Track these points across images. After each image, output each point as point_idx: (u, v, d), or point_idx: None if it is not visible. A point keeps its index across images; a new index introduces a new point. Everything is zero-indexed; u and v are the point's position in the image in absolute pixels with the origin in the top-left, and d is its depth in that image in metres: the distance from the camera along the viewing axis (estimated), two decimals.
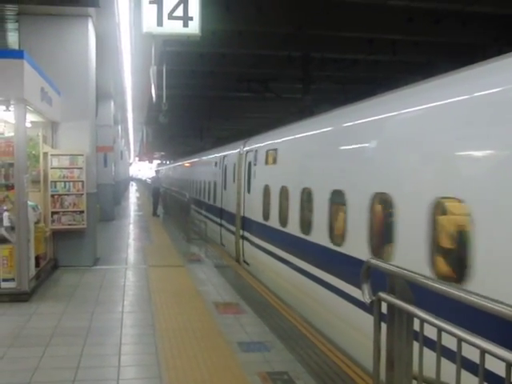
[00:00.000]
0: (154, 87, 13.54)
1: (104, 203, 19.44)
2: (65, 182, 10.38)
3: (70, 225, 10.34)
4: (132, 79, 16.85)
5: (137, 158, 61.80)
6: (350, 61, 19.13)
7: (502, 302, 2.63)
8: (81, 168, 10.46)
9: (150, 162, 52.91)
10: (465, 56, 16.60)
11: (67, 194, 10.37)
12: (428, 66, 18.70)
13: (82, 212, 10.45)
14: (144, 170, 68.43)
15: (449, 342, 2.88)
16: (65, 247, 10.52)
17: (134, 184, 73.54)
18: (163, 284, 9.30)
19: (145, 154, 47.29)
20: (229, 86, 22.42)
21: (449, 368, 2.98)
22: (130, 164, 57.86)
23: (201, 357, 5.67)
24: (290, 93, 22.31)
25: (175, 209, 18.44)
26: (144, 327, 6.75)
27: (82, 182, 10.48)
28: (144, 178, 70.65)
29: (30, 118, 9.00)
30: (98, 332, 6.54)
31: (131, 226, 19.40)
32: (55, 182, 10.38)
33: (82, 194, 10.47)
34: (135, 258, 12.19)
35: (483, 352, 2.52)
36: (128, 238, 15.99)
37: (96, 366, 5.42)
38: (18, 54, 7.85)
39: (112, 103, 20.85)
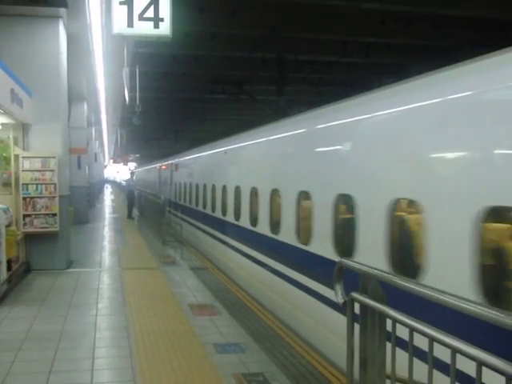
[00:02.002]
0: (126, 89, 13.47)
1: (78, 206, 19.25)
2: (37, 184, 10.26)
3: (42, 228, 10.22)
4: (105, 81, 16.70)
5: (111, 161, 61.36)
6: (325, 63, 19.25)
7: (473, 302, 2.66)
8: (53, 170, 10.35)
9: (125, 164, 52.52)
10: (438, 58, 16.81)
11: (39, 197, 10.25)
12: (401, 69, 18.91)
13: (55, 215, 10.33)
14: (122, 172, 67.72)
15: (422, 342, 2.91)
16: (37, 250, 10.40)
17: (109, 186, 73.05)
18: (138, 287, 9.24)
19: (119, 157, 46.97)
20: (203, 88, 22.37)
21: (422, 368, 3.00)
22: (105, 166, 57.45)
23: (175, 359, 5.64)
24: (264, 95, 22.32)
25: (150, 211, 18.34)
26: (118, 330, 6.70)
27: (55, 184, 10.37)
28: (119, 181, 70.18)
29: (1, 119, 8.88)
30: (71, 336, 6.46)
31: (106, 229, 19.23)
32: (27, 184, 10.25)
33: (55, 197, 10.36)
34: (109, 261, 12.08)
35: (454, 351, 2.54)
36: (102, 240, 15.84)
37: (69, 369, 5.36)
38: None
39: (85, 105, 20.65)
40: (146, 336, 6.43)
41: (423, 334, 2.74)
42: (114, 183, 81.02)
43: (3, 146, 9.55)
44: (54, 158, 10.32)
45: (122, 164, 51.36)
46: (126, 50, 12.27)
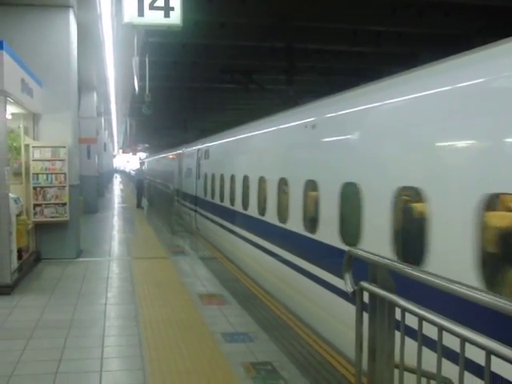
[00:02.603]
0: (136, 78, 13.47)
1: (87, 195, 19.30)
2: (47, 174, 10.30)
3: (52, 217, 10.27)
4: (115, 70, 16.72)
5: (120, 150, 61.51)
6: (334, 52, 19.15)
7: (482, 291, 2.66)
8: (63, 160, 10.38)
9: (134, 154, 52.60)
10: (449, 47, 16.67)
11: (49, 187, 10.29)
12: (412, 58, 18.78)
13: (65, 204, 10.38)
14: (132, 161, 67.64)
15: (431, 331, 2.90)
16: (47, 240, 10.45)
17: (118, 176, 73.26)
18: (147, 276, 9.28)
19: (128, 146, 47.01)
20: (212, 78, 22.32)
21: (431, 357, 3.00)
22: (114, 156, 57.60)
23: (184, 348, 5.67)
24: (273, 84, 22.24)
25: (159, 201, 18.39)
26: (127, 319, 6.73)
27: (65, 174, 10.40)
28: (128, 170, 70.29)
29: (11, 109, 8.89)
30: (81, 324, 6.51)
31: (115, 218, 19.30)
32: (37, 174, 10.29)
33: (65, 187, 10.40)
34: (119, 250, 12.14)
35: (464, 340, 2.53)
36: (112, 230, 15.91)
37: (79, 358, 5.40)
38: None
39: (95, 95, 20.70)
40: (155, 325, 6.46)
41: (432, 323, 2.73)
42: (123, 173, 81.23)
43: (13, 135, 9.58)
44: (64, 147, 10.36)
45: (131, 154, 51.48)
46: (136, 39, 12.29)
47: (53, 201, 10.27)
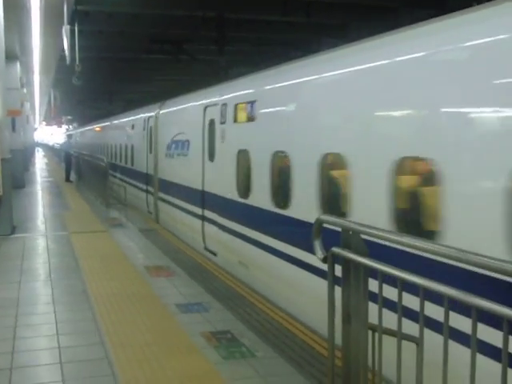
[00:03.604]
0: (67, 48, 12.98)
1: (14, 170, 18.51)
2: None
3: None
4: (40, 39, 16.01)
5: (43, 123, 59.33)
6: (265, 22, 19.09)
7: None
8: None
9: (59, 126, 50.90)
10: (377, 19, 16.98)
11: None
12: (341, 29, 18.99)
13: None
14: (57, 134, 65.16)
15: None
16: None
17: (40, 150, 70.78)
18: (89, 250, 9.08)
19: (53, 119, 45.40)
20: (140, 48, 21.78)
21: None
22: (35, 129, 55.51)
23: (140, 320, 5.61)
24: (204, 54, 21.98)
25: (90, 174, 17.90)
26: (76, 294, 6.59)
27: None
28: (51, 144, 67.98)
29: None
30: (28, 301, 6.32)
31: (45, 193, 18.71)
32: None
33: None
34: (54, 225, 11.78)
35: (447, 298, 2.63)
36: (43, 204, 15.44)
37: (33, 335, 5.26)
38: None
39: (18, 64, 19.79)
40: (105, 298, 6.36)
41: (414, 284, 2.82)
42: (45, 146, 78.52)
43: None
44: None
45: (55, 126, 49.81)
46: (65, 6, 11.81)
47: None
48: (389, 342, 3.14)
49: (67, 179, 22.76)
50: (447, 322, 2.69)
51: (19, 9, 13.15)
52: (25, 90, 25.86)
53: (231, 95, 8.56)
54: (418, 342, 3.02)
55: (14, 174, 17.89)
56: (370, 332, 3.38)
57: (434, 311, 2.94)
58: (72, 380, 4.29)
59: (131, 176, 16.91)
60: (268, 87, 7.61)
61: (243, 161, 7.87)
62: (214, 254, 8.96)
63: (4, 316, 5.77)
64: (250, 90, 7.95)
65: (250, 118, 7.61)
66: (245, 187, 7.81)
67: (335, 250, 3.53)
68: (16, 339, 5.10)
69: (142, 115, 15.78)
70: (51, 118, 46.20)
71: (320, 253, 3.74)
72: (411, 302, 3.03)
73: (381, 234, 3.28)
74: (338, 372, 3.65)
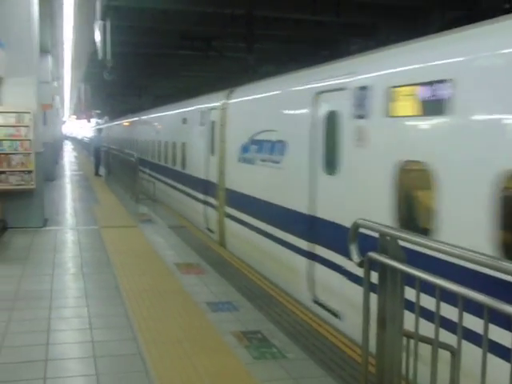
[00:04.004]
0: (99, 43, 13.11)
1: (44, 163, 18.78)
2: (11, 140, 9.99)
3: (18, 185, 10.00)
4: (73, 33, 16.19)
5: (73, 117, 59.96)
6: (294, 20, 19.06)
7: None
8: (28, 126, 10.07)
9: (89, 120, 51.41)
10: (407, 19, 16.85)
11: (14, 153, 10.00)
12: (372, 29, 18.87)
13: (31, 172, 10.12)
14: (86, 128, 65.60)
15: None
16: (13, 208, 10.16)
17: (69, 143, 71.57)
18: (119, 245, 9.17)
19: (83, 112, 45.90)
20: (169, 44, 21.91)
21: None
22: (64, 122, 56.12)
23: (172, 317, 5.67)
24: (233, 51, 22.03)
25: (120, 168, 18.07)
26: (108, 289, 6.67)
27: (30, 140, 10.11)
28: (80, 137, 68.61)
29: None
30: (61, 294, 6.42)
31: (74, 186, 18.93)
32: (1, 140, 9.97)
33: (30, 153, 10.12)
34: (85, 219, 11.92)
35: (488, 308, 2.62)
36: (73, 198, 15.63)
37: (67, 328, 5.35)
38: None
39: (50, 58, 20.03)
40: (137, 294, 6.43)
41: (454, 292, 2.81)
42: (73, 140, 79.37)
43: None
44: (28, 113, 10.04)
45: (85, 120, 50.32)
46: (98, 2, 11.92)
47: (18, 168, 9.99)
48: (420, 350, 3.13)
49: (96, 173, 23.00)
50: (486, 333, 2.67)
51: (52, 3, 13.32)
52: (55, 84, 26.17)
53: (383, 72, 5.47)
54: (454, 350, 3.03)
55: (45, 167, 18.26)
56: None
57: (470, 321, 2.93)
58: (105, 374, 4.36)
59: (179, 180, 13.86)
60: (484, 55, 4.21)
61: (414, 179, 5.10)
62: (335, 315, 6.05)
63: (38, 308, 5.87)
64: (434, 63, 4.67)
65: (437, 110, 4.50)
66: (417, 222, 5.04)
67: (372, 254, 3.53)
68: (50, 332, 5.19)
69: (198, 107, 12.51)
70: (81, 112, 46.63)
71: (356, 257, 3.75)
72: (446, 311, 3.02)
73: (419, 240, 3.27)
74: (370, 379, 3.66)
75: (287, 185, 7.40)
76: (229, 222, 9.78)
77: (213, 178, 10.66)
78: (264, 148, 8.16)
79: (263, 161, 8.17)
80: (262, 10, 17.66)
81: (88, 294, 6.43)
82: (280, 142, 7.54)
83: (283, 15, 18.37)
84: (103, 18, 13.42)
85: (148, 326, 5.38)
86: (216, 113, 10.72)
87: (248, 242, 8.77)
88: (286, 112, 7.69)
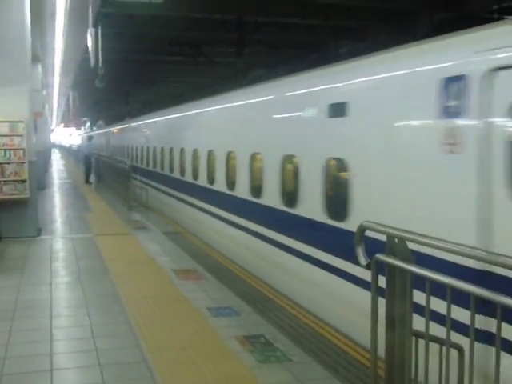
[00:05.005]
0: (92, 50, 13.08)
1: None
2: (5, 150, 9.95)
3: (12, 194, 9.95)
4: (63, 41, 16.15)
5: (61, 124, 59.74)
6: (283, 25, 19.12)
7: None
8: (21, 135, 10.04)
9: (78, 128, 51.24)
10: (397, 22, 16.95)
11: (8, 163, 9.95)
12: (360, 32, 18.96)
13: (25, 181, 10.07)
14: (74, 136, 65.31)
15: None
16: (7, 218, 10.08)
17: (57, 151, 71.22)
18: (115, 253, 9.15)
19: (71, 120, 45.73)
20: (159, 50, 21.89)
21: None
22: (52, 130, 55.89)
23: (174, 324, 5.66)
24: (222, 57, 22.05)
25: (111, 176, 17.98)
26: (107, 297, 6.65)
27: (23, 149, 10.07)
28: (68, 145, 68.26)
29: None
30: (61, 303, 6.40)
31: (66, 194, 18.85)
32: None
33: (24, 163, 10.08)
34: (79, 227, 11.85)
35: (502, 307, 2.64)
36: (65, 206, 15.56)
37: (70, 337, 5.33)
38: None
39: (39, 66, 19.96)
40: (137, 301, 6.41)
41: (466, 292, 2.83)
42: (61, 147, 78.96)
43: None
44: (22, 122, 10.01)
45: (74, 128, 50.12)
46: (90, 9, 11.91)
47: (12, 177, 9.95)
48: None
49: (87, 181, 22.91)
50: (499, 333, 2.69)
51: (42, 11, 13.28)
52: (44, 92, 26.08)
53: None
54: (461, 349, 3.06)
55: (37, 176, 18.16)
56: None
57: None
58: (113, 382, 4.35)
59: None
60: None
61: None
62: None
63: (39, 317, 5.84)
64: None
65: None
66: None
67: (379, 256, 3.55)
68: (53, 341, 5.16)
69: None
70: (69, 120, 46.46)
71: (363, 259, 3.76)
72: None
73: (428, 241, 3.29)
74: (379, 382, 3.68)
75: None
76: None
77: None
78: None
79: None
80: (251, 15, 17.73)
81: (88, 303, 6.41)
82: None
83: (272, 20, 18.41)
84: (95, 25, 13.40)
85: (151, 333, 5.37)
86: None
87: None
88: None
